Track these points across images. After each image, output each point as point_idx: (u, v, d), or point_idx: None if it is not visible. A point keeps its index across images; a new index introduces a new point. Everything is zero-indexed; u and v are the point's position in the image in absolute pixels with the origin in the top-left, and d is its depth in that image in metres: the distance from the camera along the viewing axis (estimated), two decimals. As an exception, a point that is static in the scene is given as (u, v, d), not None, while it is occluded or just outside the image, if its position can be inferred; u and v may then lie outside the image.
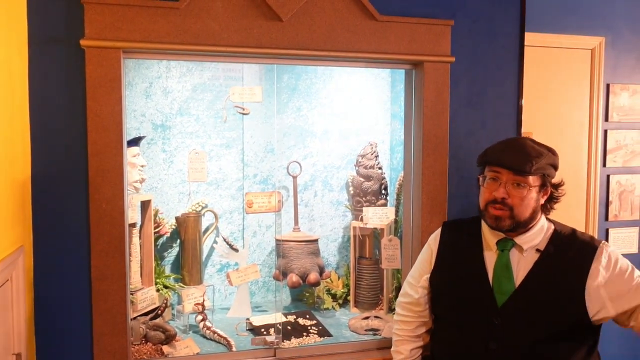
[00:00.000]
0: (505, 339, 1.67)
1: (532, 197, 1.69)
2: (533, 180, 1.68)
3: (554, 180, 1.77)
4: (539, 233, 1.75)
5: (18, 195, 1.75)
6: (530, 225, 1.74)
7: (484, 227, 1.82)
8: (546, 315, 1.64)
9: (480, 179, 1.78)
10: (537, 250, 1.73)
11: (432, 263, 1.89)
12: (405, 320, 1.94)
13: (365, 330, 2.51)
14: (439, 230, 1.95)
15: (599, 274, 1.64)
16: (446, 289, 1.83)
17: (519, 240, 1.73)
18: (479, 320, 1.71)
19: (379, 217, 2.74)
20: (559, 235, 1.75)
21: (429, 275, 1.89)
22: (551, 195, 1.78)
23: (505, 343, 1.66)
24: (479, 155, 1.80)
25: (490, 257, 1.77)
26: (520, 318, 1.66)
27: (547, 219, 1.81)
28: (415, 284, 1.93)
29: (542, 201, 1.74)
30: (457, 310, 1.78)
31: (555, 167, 1.74)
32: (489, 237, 1.79)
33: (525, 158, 1.66)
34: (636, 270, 1.68)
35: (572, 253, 1.69)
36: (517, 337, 1.66)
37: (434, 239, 1.93)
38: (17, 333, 1.68)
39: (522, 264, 1.72)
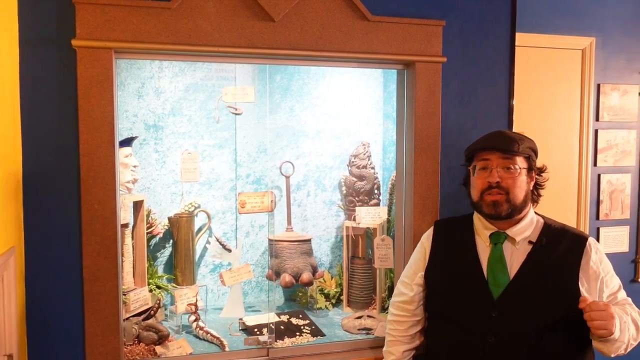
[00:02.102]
0: (502, 331, 1.68)
1: (523, 179, 1.75)
2: (520, 161, 1.75)
3: (537, 165, 1.84)
4: (530, 225, 1.79)
5: (9, 196, 1.74)
6: (522, 215, 1.78)
7: (476, 222, 1.85)
8: (542, 306, 1.67)
9: (471, 170, 1.82)
10: (530, 242, 1.76)
11: (426, 260, 1.91)
12: (399, 320, 1.95)
13: (358, 329, 2.52)
14: (432, 228, 1.98)
15: (589, 267, 1.70)
16: (442, 285, 1.85)
17: (511, 232, 1.77)
18: (476, 314, 1.73)
19: (371, 216, 2.75)
20: (549, 228, 1.80)
21: (423, 273, 1.90)
22: (536, 181, 1.84)
23: (502, 335, 1.68)
24: (465, 151, 1.87)
25: (483, 251, 1.80)
26: (517, 310, 1.69)
27: (536, 213, 1.86)
28: (410, 282, 1.94)
29: (531, 186, 1.80)
30: (454, 305, 1.79)
31: (536, 153, 1.82)
32: (482, 231, 1.82)
33: (510, 140, 1.75)
34: (614, 277, 1.76)
35: (563, 246, 1.74)
36: (514, 329, 1.68)
37: (427, 237, 1.96)
38: (9, 334, 1.68)
39: (515, 256, 1.75)
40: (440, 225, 1.97)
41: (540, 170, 1.85)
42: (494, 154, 1.75)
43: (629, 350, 1.66)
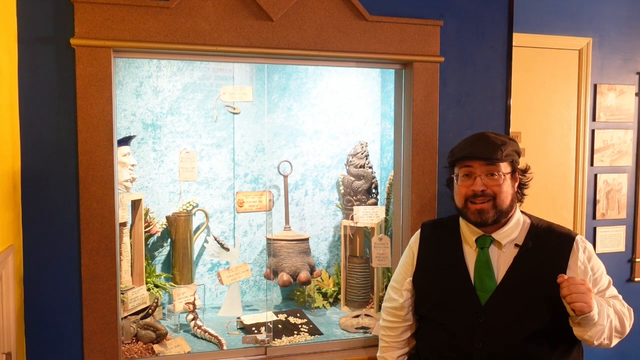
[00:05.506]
0: (490, 337, 1.67)
1: (508, 184, 1.73)
2: (504, 167, 1.72)
3: (520, 166, 1.81)
4: (516, 227, 1.77)
5: (8, 194, 1.75)
6: (508, 218, 1.75)
7: (462, 225, 1.84)
8: (530, 310, 1.66)
9: (454, 177, 1.79)
10: (516, 245, 1.74)
11: (414, 265, 1.90)
12: (391, 326, 1.94)
13: (356, 328, 2.52)
14: (419, 231, 1.96)
15: (577, 267, 1.68)
16: (429, 290, 1.83)
17: (496, 236, 1.75)
18: (464, 319, 1.72)
19: (369, 216, 2.75)
20: (536, 229, 1.77)
21: (412, 278, 1.89)
22: (520, 182, 1.81)
23: (491, 341, 1.67)
24: (447, 157, 1.84)
25: (470, 255, 1.78)
26: (504, 315, 1.67)
27: (523, 212, 1.84)
28: (400, 287, 1.93)
29: (515, 188, 1.78)
30: (442, 310, 1.78)
31: (519, 154, 1.79)
32: (468, 235, 1.80)
33: (493, 147, 1.71)
34: (604, 275, 1.73)
35: (550, 246, 1.72)
36: (502, 334, 1.67)
37: (415, 241, 1.94)
38: (7, 332, 1.68)
39: (502, 260, 1.73)
40: (427, 228, 1.95)
41: (524, 171, 1.83)
42: (477, 162, 1.72)
43: (613, 343, 1.63)
